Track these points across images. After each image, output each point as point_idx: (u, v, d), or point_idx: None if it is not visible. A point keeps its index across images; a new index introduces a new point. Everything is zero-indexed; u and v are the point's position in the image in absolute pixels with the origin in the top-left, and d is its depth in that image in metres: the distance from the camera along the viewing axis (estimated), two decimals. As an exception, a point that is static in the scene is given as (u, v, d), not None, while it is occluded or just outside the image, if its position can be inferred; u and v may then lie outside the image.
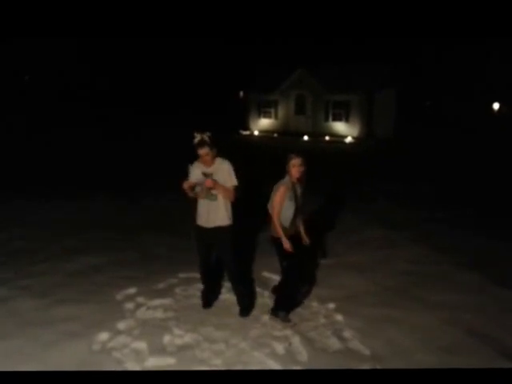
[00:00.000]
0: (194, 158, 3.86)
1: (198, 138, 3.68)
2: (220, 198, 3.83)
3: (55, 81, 31.21)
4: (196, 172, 3.83)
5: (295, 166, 3.77)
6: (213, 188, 3.72)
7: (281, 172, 3.92)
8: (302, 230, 4.07)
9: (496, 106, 31.26)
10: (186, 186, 3.76)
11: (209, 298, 4.25)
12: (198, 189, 3.81)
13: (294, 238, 3.93)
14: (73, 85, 31.44)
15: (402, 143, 18.70)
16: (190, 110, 29.94)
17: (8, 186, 9.78)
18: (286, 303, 3.99)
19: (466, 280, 4.85)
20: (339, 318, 4.03)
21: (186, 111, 30.51)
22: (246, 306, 4.10)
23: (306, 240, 4.06)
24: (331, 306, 4.24)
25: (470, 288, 4.65)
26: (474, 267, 5.16)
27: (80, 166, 12.79)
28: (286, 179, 3.84)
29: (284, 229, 3.83)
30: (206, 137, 3.66)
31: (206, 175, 3.72)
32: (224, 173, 3.79)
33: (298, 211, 3.91)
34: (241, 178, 3.89)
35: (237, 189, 3.83)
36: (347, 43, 29.82)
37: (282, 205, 3.80)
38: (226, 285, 4.52)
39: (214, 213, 3.85)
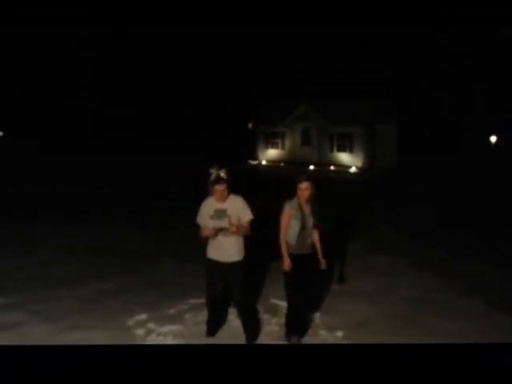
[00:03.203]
0: (205, 182, 3.84)
1: (214, 174, 3.68)
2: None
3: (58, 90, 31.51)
4: (208, 209, 3.84)
5: (301, 189, 3.97)
6: (236, 232, 3.79)
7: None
8: (319, 251, 4.18)
9: (493, 138, 31.26)
10: (206, 234, 3.79)
11: (213, 327, 4.26)
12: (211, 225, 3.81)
13: (304, 258, 4.02)
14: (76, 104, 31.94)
15: (404, 172, 18.92)
16: (202, 140, 30.59)
17: (17, 206, 10.05)
18: (293, 326, 4.05)
19: (467, 307, 4.89)
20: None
21: (196, 137, 31.12)
22: (251, 334, 4.12)
23: (322, 263, 4.18)
24: (339, 334, 4.27)
25: (471, 315, 4.68)
26: (475, 293, 5.22)
27: (92, 190, 13.14)
28: (294, 199, 4.03)
29: (291, 246, 4.00)
30: (222, 173, 3.69)
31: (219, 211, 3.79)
32: (238, 209, 3.85)
33: (305, 229, 4.00)
34: (251, 206, 4.02)
35: (252, 223, 3.92)
36: (350, 77, 30.66)
37: (286, 224, 3.99)
38: (235, 311, 4.54)
39: (228, 247, 3.88)
